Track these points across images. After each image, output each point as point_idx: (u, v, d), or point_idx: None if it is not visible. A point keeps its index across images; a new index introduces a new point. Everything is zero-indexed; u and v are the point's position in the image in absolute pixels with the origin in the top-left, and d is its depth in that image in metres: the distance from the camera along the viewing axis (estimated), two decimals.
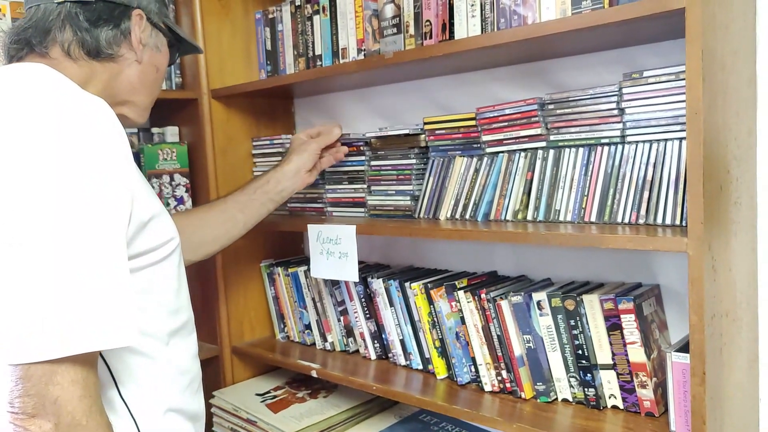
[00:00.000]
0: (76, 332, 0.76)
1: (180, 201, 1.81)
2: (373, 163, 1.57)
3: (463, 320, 1.40)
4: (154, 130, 1.84)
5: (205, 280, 1.86)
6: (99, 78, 1.02)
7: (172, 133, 1.85)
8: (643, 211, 1.12)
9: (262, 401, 1.73)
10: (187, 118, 1.83)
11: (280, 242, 1.98)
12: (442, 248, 1.66)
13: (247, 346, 1.85)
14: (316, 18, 1.69)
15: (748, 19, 1.10)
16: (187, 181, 1.82)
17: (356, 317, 1.65)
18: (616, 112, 1.16)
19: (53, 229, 0.75)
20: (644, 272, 1.32)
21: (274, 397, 1.77)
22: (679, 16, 0.95)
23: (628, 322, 1.19)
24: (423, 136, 1.47)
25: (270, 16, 1.81)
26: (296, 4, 1.73)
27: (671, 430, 1.13)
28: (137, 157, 1.76)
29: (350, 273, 1.47)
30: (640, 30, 1.13)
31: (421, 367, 1.53)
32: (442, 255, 1.66)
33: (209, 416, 1.81)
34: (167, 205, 1.79)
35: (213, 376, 1.88)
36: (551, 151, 1.26)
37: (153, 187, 1.76)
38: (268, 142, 1.84)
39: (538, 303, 1.29)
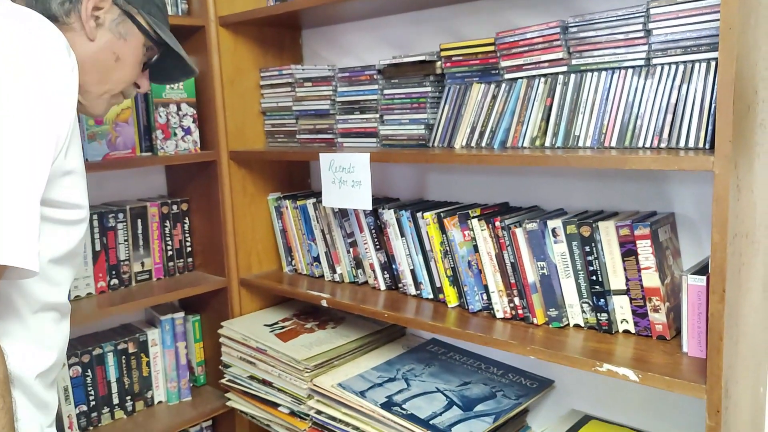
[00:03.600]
0: None
1: (187, 131, 1.79)
2: (386, 91, 1.55)
3: (476, 248, 1.41)
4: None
5: (212, 214, 1.86)
6: None
7: None
8: (665, 135, 1.12)
9: (270, 331, 1.75)
10: (194, 47, 1.79)
11: (287, 176, 1.96)
12: (453, 181, 1.65)
13: (255, 278, 1.85)
14: None
15: None
16: (194, 111, 1.79)
17: (366, 248, 1.65)
18: (642, 33, 1.14)
19: None
20: (659, 201, 1.33)
21: (283, 327, 1.78)
22: None
23: (644, 247, 1.20)
24: (439, 63, 1.45)
25: None
26: None
27: (683, 351, 1.16)
28: None
29: (364, 201, 1.47)
30: None
31: (431, 296, 1.54)
32: (452, 188, 1.66)
33: (217, 346, 1.83)
34: (174, 135, 1.76)
35: (221, 308, 1.90)
36: (572, 76, 1.25)
37: (160, 116, 1.74)
38: (276, 73, 1.81)
39: (553, 230, 1.30)
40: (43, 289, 0.92)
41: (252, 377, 1.73)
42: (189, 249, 1.94)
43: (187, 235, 1.92)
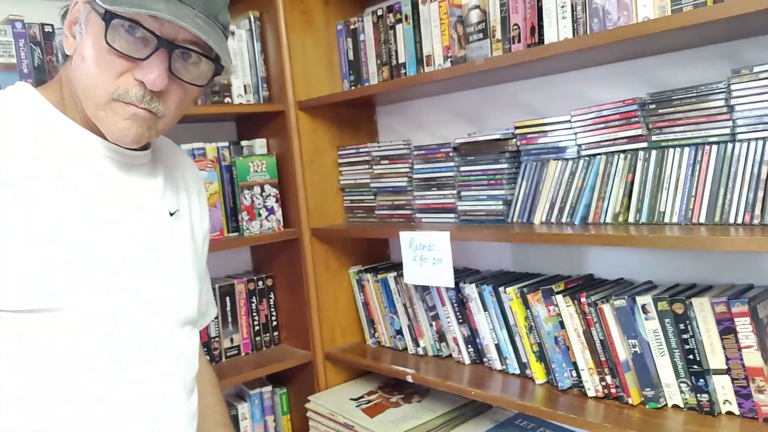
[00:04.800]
0: None
1: (270, 211, 1.86)
2: (462, 168, 1.57)
3: (562, 324, 1.38)
4: (243, 143, 1.90)
5: (296, 289, 1.91)
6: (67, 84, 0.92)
7: (260, 145, 1.90)
8: (758, 211, 1.08)
9: (357, 405, 1.76)
10: (275, 130, 1.88)
11: (367, 249, 2.00)
12: (533, 252, 1.64)
13: (339, 352, 1.88)
14: (398, 27, 1.70)
15: None
16: (277, 192, 1.87)
17: (449, 322, 1.66)
18: (725, 109, 1.12)
19: None
20: (756, 274, 1.27)
21: (369, 401, 1.79)
22: None
23: (743, 325, 1.15)
24: (514, 140, 1.46)
25: (351, 26, 1.84)
26: (378, 14, 1.75)
27: None
28: (229, 169, 1.82)
29: (446, 279, 1.48)
30: (746, 24, 1.09)
31: (518, 371, 1.52)
32: (533, 259, 1.65)
33: (305, 419, 1.86)
34: (258, 215, 1.84)
35: (307, 380, 1.93)
36: (653, 152, 1.23)
37: (245, 198, 1.82)
38: (353, 151, 1.87)
39: (643, 307, 1.26)
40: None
41: None
42: (275, 323, 1.99)
43: (272, 309, 1.98)
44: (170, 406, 0.95)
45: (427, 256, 1.52)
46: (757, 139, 1.10)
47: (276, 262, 1.99)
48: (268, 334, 1.98)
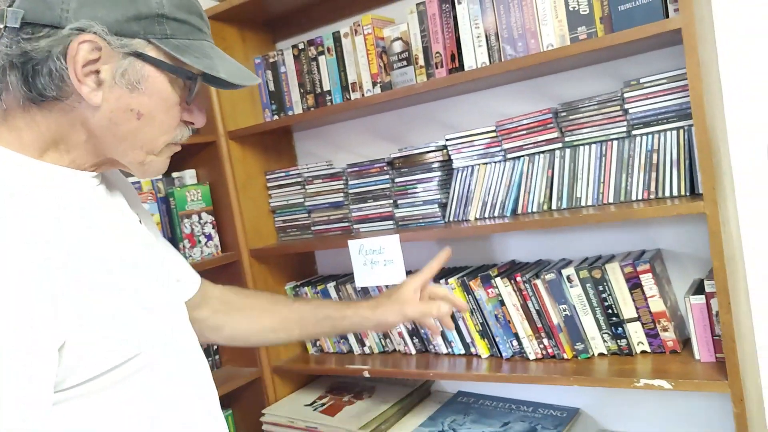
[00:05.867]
0: None
1: (209, 237, 1.94)
2: (397, 180, 1.79)
3: (501, 303, 1.64)
4: (174, 174, 1.96)
5: None
6: (52, 131, 0.79)
7: (190, 175, 1.97)
8: (652, 188, 1.42)
9: (314, 409, 1.88)
10: (205, 160, 1.97)
11: (297, 266, 2.13)
12: (463, 247, 1.88)
13: (286, 363, 1.99)
14: (321, 58, 1.89)
15: (711, 35, 1.43)
16: (213, 218, 1.95)
17: None
18: (621, 113, 1.45)
19: None
20: (645, 241, 1.62)
21: (323, 404, 1.92)
22: (671, 34, 1.25)
23: (647, 280, 1.48)
24: (445, 150, 1.71)
25: (271, 60, 1.99)
26: (299, 47, 1.92)
27: (696, 359, 1.42)
28: (166, 200, 1.87)
29: (398, 277, 1.67)
30: (627, 48, 1.43)
31: (463, 351, 1.75)
32: (463, 253, 1.88)
33: None
34: (198, 242, 1.91)
35: (254, 398, 2.00)
36: (567, 150, 1.54)
37: (185, 227, 1.88)
38: (283, 174, 2.01)
39: (568, 277, 1.55)
40: None
41: None
42: (215, 347, 2.04)
43: None
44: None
45: (377, 260, 1.70)
46: (646, 134, 1.44)
47: None
48: (210, 359, 2.03)
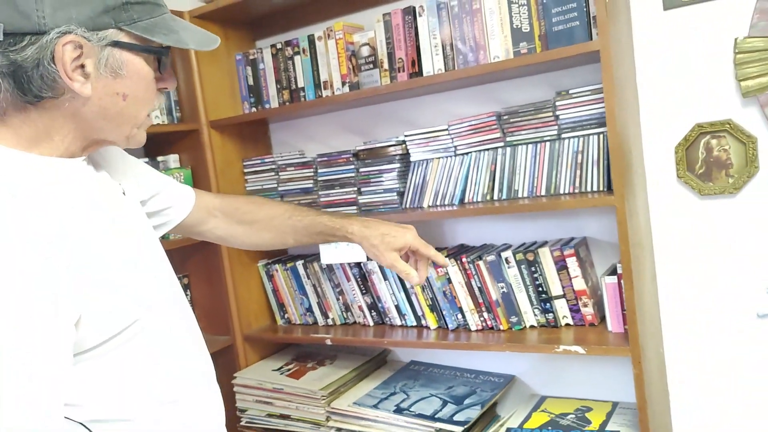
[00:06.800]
0: None
1: None
2: (361, 170, 2.01)
3: (449, 281, 1.87)
4: (159, 158, 2.15)
5: (214, 283, 2.19)
6: (47, 126, 0.87)
7: (174, 160, 2.16)
8: (577, 184, 1.66)
9: (281, 374, 2.10)
10: (187, 146, 2.16)
11: None
12: (418, 230, 2.11)
13: (256, 332, 2.20)
14: (297, 58, 2.09)
15: (629, 54, 1.68)
16: None
17: (354, 294, 2.07)
18: (552, 118, 1.69)
19: None
20: (574, 230, 1.86)
21: (289, 369, 2.14)
22: (593, 54, 1.49)
23: (572, 262, 1.72)
24: (404, 145, 1.93)
25: (251, 57, 2.19)
26: (277, 47, 2.12)
27: (608, 330, 1.68)
28: None
29: (360, 255, 1.89)
30: (561, 62, 1.66)
31: (415, 323, 1.98)
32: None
33: (232, 395, 2.15)
34: None
35: (226, 363, 2.21)
36: (508, 149, 1.78)
37: None
38: (259, 161, 2.22)
39: (506, 259, 1.79)
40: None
41: (270, 414, 2.06)
42: None
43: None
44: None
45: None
46: (574, 137, 1.68)
47: (191, 262, 2.25)
48: None
